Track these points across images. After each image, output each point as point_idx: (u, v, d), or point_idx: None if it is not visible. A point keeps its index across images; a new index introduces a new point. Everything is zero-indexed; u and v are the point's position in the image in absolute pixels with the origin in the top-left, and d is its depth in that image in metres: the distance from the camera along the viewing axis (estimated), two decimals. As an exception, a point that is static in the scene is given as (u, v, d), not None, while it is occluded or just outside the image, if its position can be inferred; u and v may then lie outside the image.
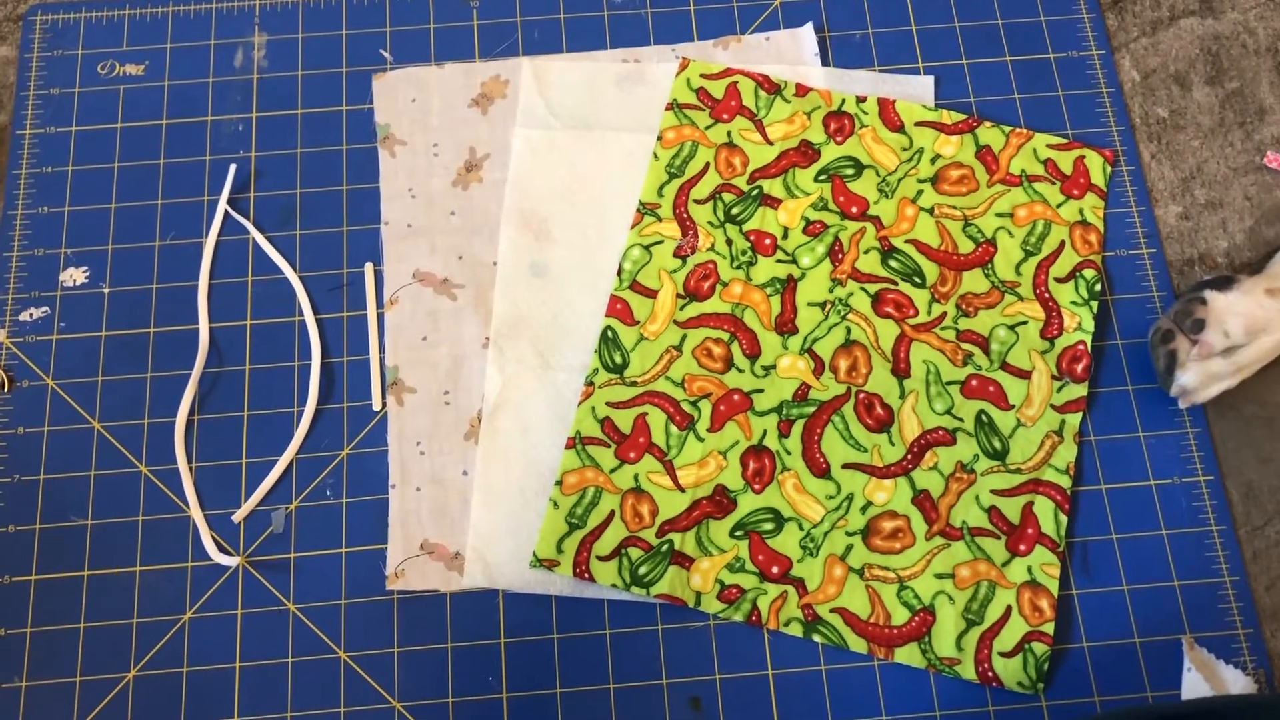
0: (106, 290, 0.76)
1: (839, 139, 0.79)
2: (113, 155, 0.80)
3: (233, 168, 0.79)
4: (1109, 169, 0.78)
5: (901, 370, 0.73)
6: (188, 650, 0.68)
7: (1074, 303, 0.74)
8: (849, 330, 0.74)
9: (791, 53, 0.82)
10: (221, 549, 0.70)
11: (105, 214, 0.78)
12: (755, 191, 0.77)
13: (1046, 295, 0.75)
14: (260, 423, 0.73)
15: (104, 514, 0.71)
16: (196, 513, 0.71)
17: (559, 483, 0.70)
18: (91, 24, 0.83)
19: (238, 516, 0.71)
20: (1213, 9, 0.84)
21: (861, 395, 0.72)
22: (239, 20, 0.84)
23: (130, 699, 0.67)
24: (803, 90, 0.80)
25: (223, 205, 0.78)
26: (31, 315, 0.75)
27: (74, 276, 0.76)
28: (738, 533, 0.70)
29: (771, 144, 0.79)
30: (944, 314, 0.74)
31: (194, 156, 0.80)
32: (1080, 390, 0.73)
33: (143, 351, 0.75)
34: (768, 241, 0.76)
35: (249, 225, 0.77)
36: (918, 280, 0.75)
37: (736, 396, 0.72)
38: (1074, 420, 0.72)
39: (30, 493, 0.71)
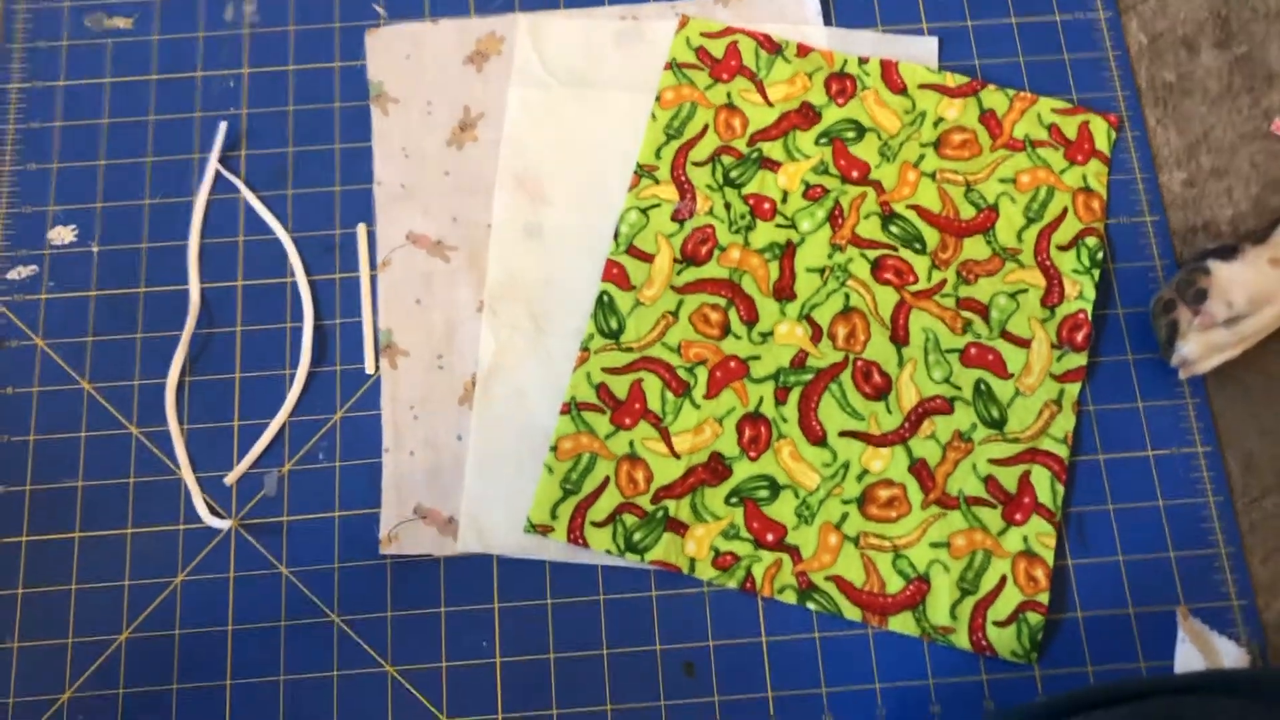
0: (96, 249, 0.75)
1: (840, 101, 0.77)
2: (101, 111, 0.78)
3: (223, 125, 0.77)
4: (1114, 134, 0.77)
5: (900, 338, 0.72)
6: (180, 613, 0.68)
7: (1075, 271, 0.74)
8: (848, 297, 0.73)
9: (794, 11, 0.81)
10: (213, 512, 0.70)
11: (94, 171, 0.77)
12: (755, 154, 0.76)
13: (1048, 263, 0.74)
14: (252, 385, 0.72)
15: (95, 475, 0.70)
16: (188, 475, 0.70)
17: (554, 448, 0.70)
18: (78, -25, 0.82)
19: (230, 479, 0.70)
20: (1223, -29, 0.83)
21: (859, 363, 0.72)
22: (229, -27, 0.82)
23: (122, 661, 0.67)
24: (804, 51, 0.79)
25: (213, 163, 0.76)
26: (20, 274, 0.74)
27: (62, 235, 0.75)
28: (733, 500, 0.69)
29: (772, 105, 0.77)
30: (944, 281, 0.73)
31: (184, 113, 0.78)
32: (1080, 359, 0.72)
33: (132, 311, 0.74)
34: (767, 206, 0.75)
35: (240, 184, 0.76)
36: (918, 246, 0.74)
37: (733, 363, 0.72)
38: (1073, 390, 0.71)
39: (20, 453, 0.71)
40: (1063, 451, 0.70)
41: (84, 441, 0.71)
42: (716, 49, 0.79)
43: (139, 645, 0.67)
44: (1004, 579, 0.68)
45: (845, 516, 0.69)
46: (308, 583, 0.69)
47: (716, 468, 0.70)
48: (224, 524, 0.69)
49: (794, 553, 0.68)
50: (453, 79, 0.79)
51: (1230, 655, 0.66)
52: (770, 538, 0.69)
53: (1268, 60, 0.80)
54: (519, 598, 0.69)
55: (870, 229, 0.74)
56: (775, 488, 0.69)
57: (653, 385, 0.71)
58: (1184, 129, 0.79)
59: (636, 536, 0.68)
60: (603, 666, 0.67)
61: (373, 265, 0.75)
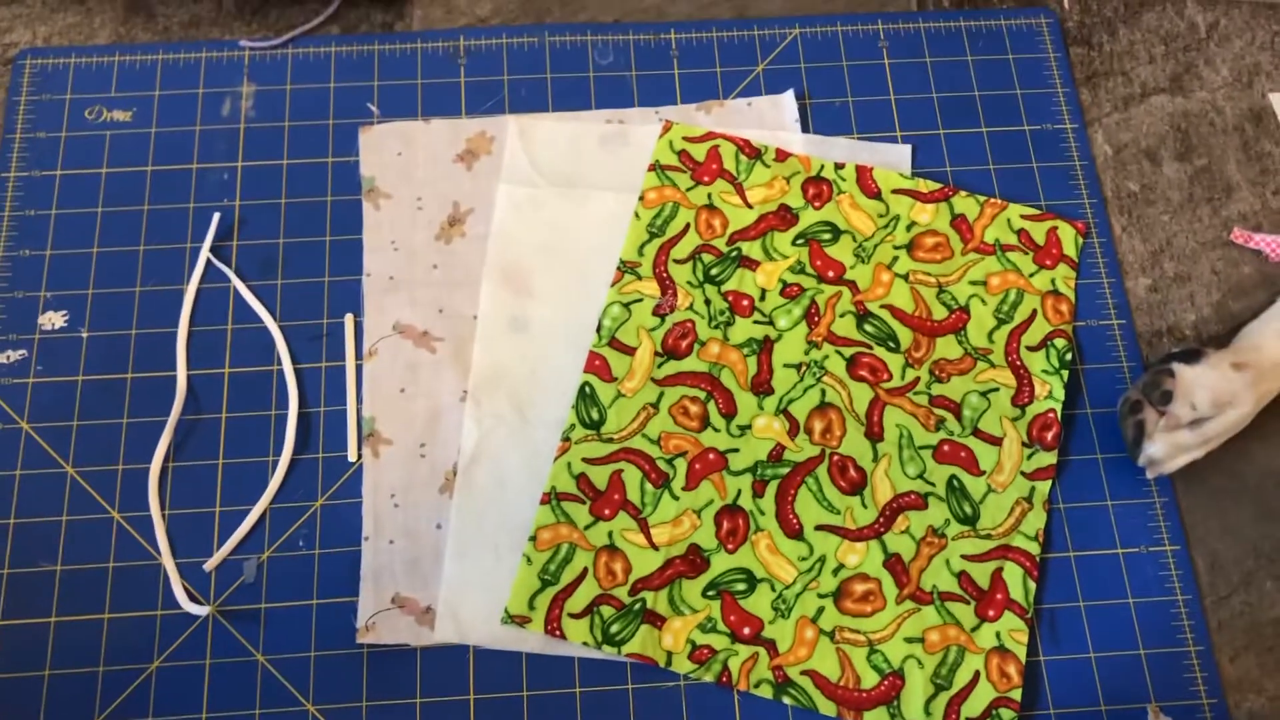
0: (85, 335, 0.76)
1: (817, 204, 0.80)
2: (97, 200, 0.80)
3: (216, 216, 0.79)
4: (1081, 240, 0.80)
5: (875, 433, 0.74)
6: (154, 700, 0.67)
7: (1045, 371, 0.76)
8: (824, 392, 0.75)
9: (772, 118, 0.84)
10: (192, 598, 0.70)
11: (87, 258, 0.78)
12: (734, 253, 0.79)
13: (1018, 363, 0.76)
14: (235, 471, 0.73)
15: (74, 560, 0.70)
16: (168, 560, 0.70)
17: (533, 538, 0.71)
18: (81, 69, 0.84)
19: (209, 565, 0.70)
20: (1183, 88, 0.86)
21: (835, 457, 0.73)
22: (228, 70, 0.84)
23: (93, 749, 0.67)
24: (783, 155, 0.82)
25: (205, 253, 0.78)
26: (9, 358, 0.75)
27: (53, 320, 0.76)
28: (710, 593, 0.70)
29: (751, 207, 0.80)
30: (917, 379, 0.75)
31: (178, 204, 0.80)
32: (1050, 458, 0.74)
33: (120, 397, 0.75)
34: (745, 303, 0.77)
35: (231, 274, 0.78)
36: (892, 345, 0.76)
37: (712, 455, 0.73)
38: (1044, 487, 0.73)
39: (-1, 537, 0.71)
40: (1034, 548, 0.71)
41: (64, 525, 0.71)
42: (698, 152, 0.82)
43: (111, 733, 0.67)
44: (977, 675, 0.68)
45: (821, 610, 0.70)
46: (284, 670, 0.68)
47: (694, 560, 0.70)
48: (202, 610, 0.69)
49: (770, 646, 0.69)
50: (443, 176, 0.81)
51: (1201, 754, 0.67)
52: (747, 631, 0.69)
53: (1226, 172, 0.83)
54: (495, 689, 0.69)
55: (845, 327, 0.76)
56: (752, 581, 0.70)
57: (632, 476, 0.72)
58: (1148, 236, 0.82)
59: (614, 629, 0.69)
60: (578, 760, 0.67)
61: (359, 355, 0.76)
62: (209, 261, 0.78)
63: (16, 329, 0.76)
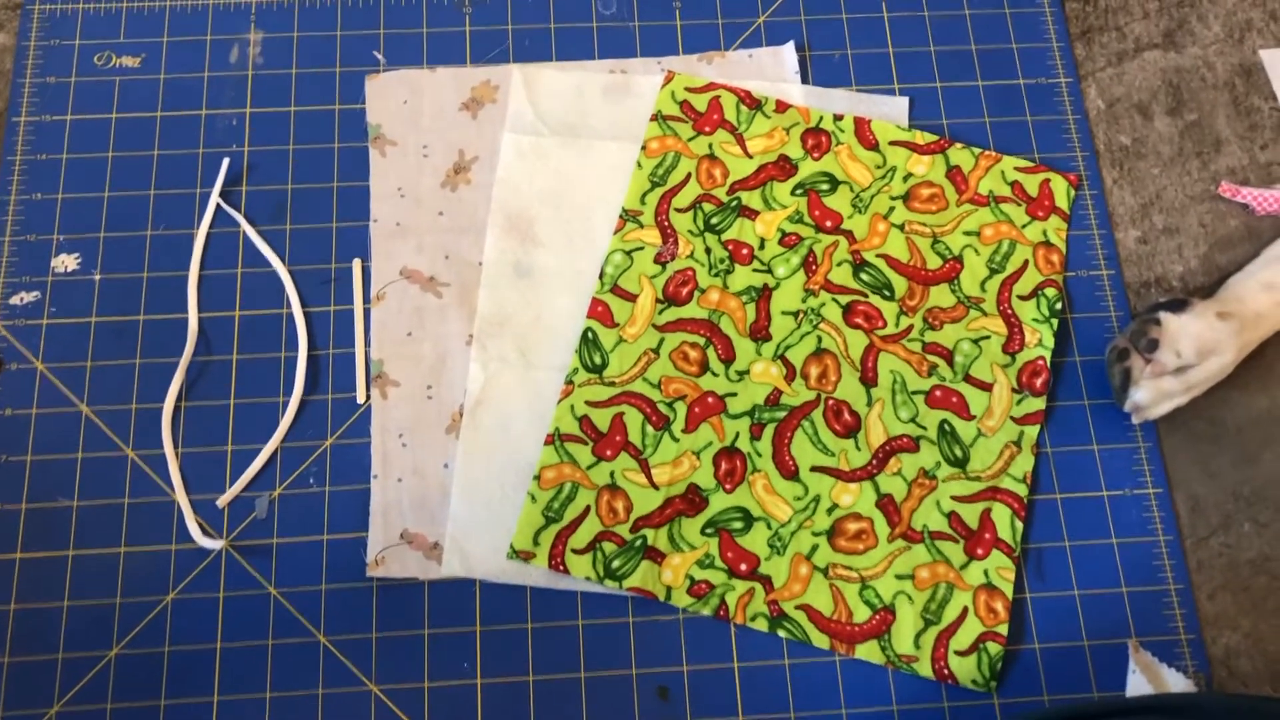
0: (98, 277, 0.78)
1: (816, 155, 0.82)
2: (107, 145, 0.81)
3: (226, 161, 0.80)
4: (1073, 193, 0.82)
5: (869, 379, 0.76)
6: (169, 630, 0.70)
7: (1035, 320, 0.78)
8: (820, 339, 0.77)
9: (773, 70, 0.85)
10: (205, 533, 0.72)
11: (98, 202, 0.79)
12: (734, 202, 0.80)
13: (1009, 312, 0.78)
14: (246, 411, 0.75)
15: (90, 495, 0.72)
16: (181, 497, 0.72)
17: (537, 477, 0.73)
18: (89, 15, 0.85)
19: (222, 502, 0.72)
20: (1175, 43, 0.88)
21: (830, 402, 0.75)
22: (236, 17, 0.85)
23: (111, 677, 0.69)
24: (783, 107, 0.83)
25: (215, 198, 0.79)
26: (23, 300, 0.77)
27: (66, 263, 0.78)
28: (708, 530, 0.72)
29: (751, 157, 0.82)
30: (911, 326, 0.77)
31: (188, 149, 0.81)
32: (1039, 403, 0.76)
33: (132, 338, 0.76)
34: (745, 251, 0.79)
35: (240, 218, 0.79)
36: (887, 293, 0.78)
37: (711, 399, 0.75)
38: (1032, 432, 0.75)
39: (17, 473, 0.73)
40: (1022, 490, 0.74)
41: (80, 463, 0.73)
42: (700, 103, 0.83)
43: (128, 661, 0.69)
44: (965, 610, 0.71)
45: (815, 548, 0.72)
46: (295, 603, 0.71)
47: (693, 499, 0.73)
48: (216, 544, 0.71)
49: (766, 582, 0.71)
50: (448, 124, 0.82)
51: (1178, 686, 0.69)
52: (744, 567, 0.71)
53: (1215, 127, 0.85)
54: (500, 621, 0.71)
55: (842, 276, 0.78)
56: (749, 519, 0.72)
57: (634, 419, 0.74)
58: (1138, 189, 0.83)
59: (615, 564, 0.71)
60: (580, 689, 0.70)
61: (366, 299, 0.78)
62: (219, 206, 0.79)
63: (30, 271, 0.78)
